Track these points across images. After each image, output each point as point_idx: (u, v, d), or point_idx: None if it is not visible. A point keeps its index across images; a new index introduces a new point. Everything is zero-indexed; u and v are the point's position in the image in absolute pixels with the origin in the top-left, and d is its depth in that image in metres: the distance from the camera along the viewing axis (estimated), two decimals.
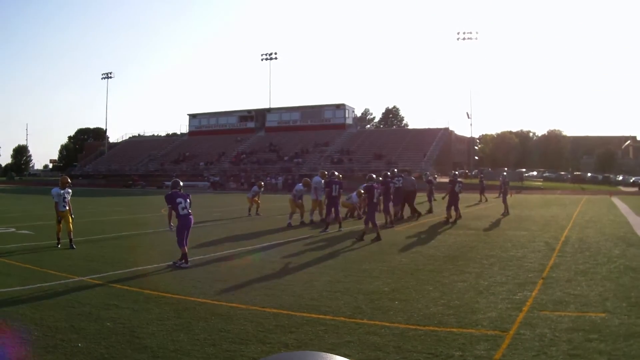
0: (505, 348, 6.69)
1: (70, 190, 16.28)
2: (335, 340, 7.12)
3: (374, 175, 19.95)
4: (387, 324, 7.83)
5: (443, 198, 26.54)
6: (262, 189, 30.56)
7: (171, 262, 12.96)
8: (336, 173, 22.33)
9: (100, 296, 9.74)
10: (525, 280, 10.99)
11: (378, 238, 17.39)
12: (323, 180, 23.26)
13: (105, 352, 6.65)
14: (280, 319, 8.15)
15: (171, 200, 13.14)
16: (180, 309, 8.76)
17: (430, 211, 28.98)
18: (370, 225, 17.72)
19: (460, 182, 25.16)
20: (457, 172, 28.33)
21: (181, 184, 13.74)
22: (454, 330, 7.51)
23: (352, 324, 7.89)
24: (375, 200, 18.31)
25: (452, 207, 24.00)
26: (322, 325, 7.79)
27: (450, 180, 24.90)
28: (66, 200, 15.97)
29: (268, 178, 63.65)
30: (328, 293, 9.90)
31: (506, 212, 27.97)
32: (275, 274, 11.95)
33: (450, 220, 23.76)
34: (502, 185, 31.35)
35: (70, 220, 15.98)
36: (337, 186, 20.87)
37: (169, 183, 14.17)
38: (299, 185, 24.61)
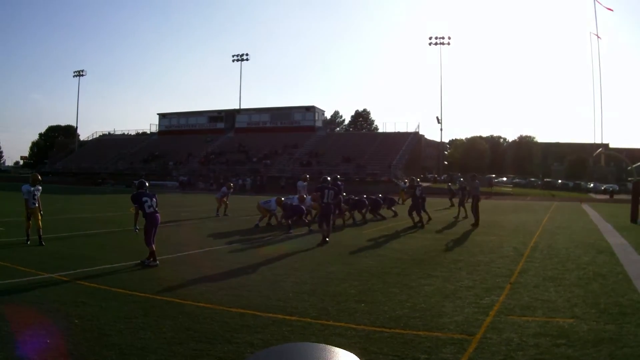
0: (472, 352, 6.72)
1: (40, 188, 16.17)
2: (301, 340, 7.07)
3: (328, 177, 19.87)
4: (353, 326, 7.85)
5: (404, 202, 26.86)
6: (231, 190, 30.68)
7: (139, 261, 12.95)
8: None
9: (68, 293, 9.71)
10: (492, 285, 11.02)
11: (324, 241, 17.45)
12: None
13: (73, 349, 6.64)
14: (246, 319, 8.17)
15: (137, 200, 13.18)
16: (148, 307, 8.77)
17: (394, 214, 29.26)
18: (324, 226, 17.90)
19: (420, 186, 25.67)
20: (414, 177, 28.70)
21: (147, 184, 13.81)
22: (420, 333, 7.51)
23: (317, 325, 7.92)
24: (325, 201, 18.23)
25: (414, 211, 24.28)
26: (288, 326, 7.81)
27: (410, 185, 25.27)
28: (36, 197, 15.89)
29: (234, 179, 62.67)
30: (294, 294, 9.92)
31: (466, 216, 28.64)
32: (242, 275, 11.98)
33: (418, 224, 24.01)
34: (461, 191, 31.84)
35: (40, 217, 15.92)
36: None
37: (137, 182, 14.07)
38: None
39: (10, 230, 18.59)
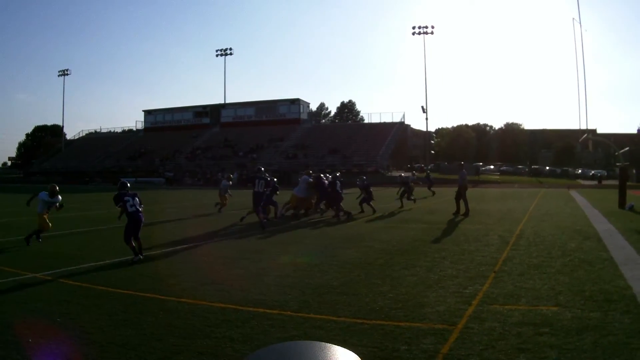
0: (453, 342, 6.70)
1: (60, 198, 16.71)
2: (281, 334, 7.13)
3: (262, 168, 21.06)
4: (334, 318, 7.85)
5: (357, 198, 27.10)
6: (232, 182, 29.48)
7: (131, 259, 12.90)
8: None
9: (52, 292, 9.78)
10: (476, 273, 10.98)
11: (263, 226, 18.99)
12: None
13: (55, 347, 6.71)
14: (227, 313, 8.20)
15: (119, 200, 13.33)
16: (129, 304, 8.81)
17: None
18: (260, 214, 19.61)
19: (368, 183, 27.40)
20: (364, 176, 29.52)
21: (128, 185, 13.96)
22: (401, 324, 7.49)
23: (298, 318, 7.93)
24: (256, 190, 19.65)
25: (365, 203, 26.28)
26: (269, 320, 7.82)
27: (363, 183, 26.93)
28: (51, 208, 16.55)
29: (219, 174, 61.79)
30: (276, 288, 9.93)
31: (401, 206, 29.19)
32: (225, 269, 12.02)
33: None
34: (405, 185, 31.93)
35: (46, 221, 16.26)
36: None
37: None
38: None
39: None
